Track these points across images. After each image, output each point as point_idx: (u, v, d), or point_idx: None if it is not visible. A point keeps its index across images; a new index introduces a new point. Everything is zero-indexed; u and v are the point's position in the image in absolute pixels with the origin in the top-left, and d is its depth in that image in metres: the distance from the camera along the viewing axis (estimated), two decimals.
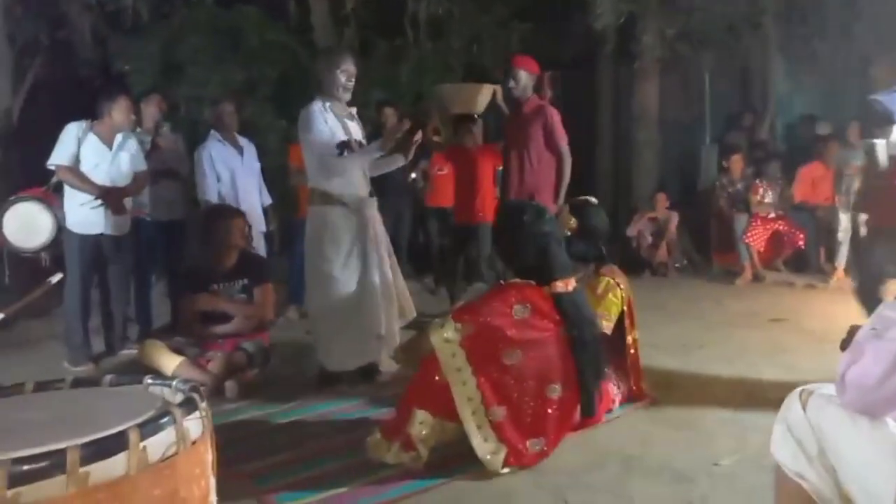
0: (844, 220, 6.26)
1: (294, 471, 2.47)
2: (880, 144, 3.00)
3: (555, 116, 4.18)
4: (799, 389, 1.46)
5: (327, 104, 3.43)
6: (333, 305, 3.40)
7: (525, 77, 4.19)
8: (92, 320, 4.19)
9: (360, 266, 3.41)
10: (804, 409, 1.40)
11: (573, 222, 3.15)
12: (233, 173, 4.43)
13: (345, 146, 3.42)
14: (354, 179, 3.44)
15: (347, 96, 3.50)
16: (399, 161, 3.64)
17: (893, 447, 1.27)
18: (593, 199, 3.33)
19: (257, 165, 4.69)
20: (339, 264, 3.38)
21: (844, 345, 1.45)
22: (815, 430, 1.37)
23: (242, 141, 4.61)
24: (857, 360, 1.32)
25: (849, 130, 6.29)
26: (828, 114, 7.29)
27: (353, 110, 3.61)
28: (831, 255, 6.47)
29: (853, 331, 1.42)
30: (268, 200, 4.80)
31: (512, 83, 4.22)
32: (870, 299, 3.15)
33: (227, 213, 3.80)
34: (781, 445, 1.44)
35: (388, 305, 3.45)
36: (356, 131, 3.54)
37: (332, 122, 3.42)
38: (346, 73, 3.42)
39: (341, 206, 3.41)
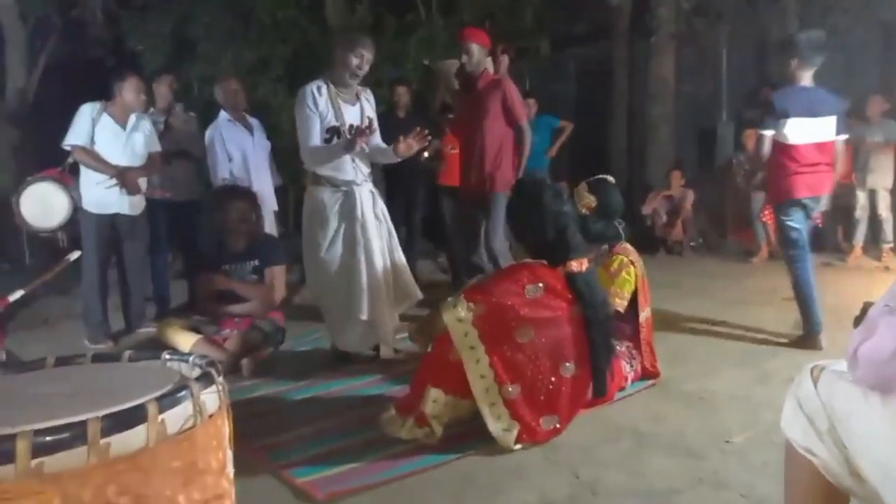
0: (862, 197, 6.19)
1: (309, 446, 2.51)
2: (768, 136, 3.52)
3: (513, 90, 4.03)
4: (810, 365, 1.46)
5: (323, 87, 3.33)
6: (328, 288, 3.39)
7: (478, 51, 4.02)
8: (110, 299, 4.26)
9: (343, 249, 3.35)
10: (815, 384, 1.40)
11: (591, 201, 3.13)
12: (244, 153, 4.41)
13: (335, 132, 3.34)
14: (342, 164, 3.36)
15: (356, 81, 3.38)
16: (390, 157, 3.46)
17: None
18: (611, 178, 3.28)
19: (267, 144, 4.67)
20: (325, 247, 3.36)
21: (858, 321, 1.44)
22: (826, 406, 1.37)
23: (252, 120, 4.60)
24: (870, 335, 1.31)
25: (868, 105, 6.15)
26: (847, 88, 7.15)
27: (367, 93, 3.51)
28: (849, 234, 6.40)
29: (866, 307, 1.42)
30: (277, 181, 4.79)
31: (465, 58, 4.04)
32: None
33: (236, 194, 3.80)
34: (792, 421, 1.43)
35: (376, 290, 3.33)
36: (354, 116, 3.39)
37: (323, 105, 3.31)
38: (360, 58, 3.29)
39: (331, 187, 3.37)
